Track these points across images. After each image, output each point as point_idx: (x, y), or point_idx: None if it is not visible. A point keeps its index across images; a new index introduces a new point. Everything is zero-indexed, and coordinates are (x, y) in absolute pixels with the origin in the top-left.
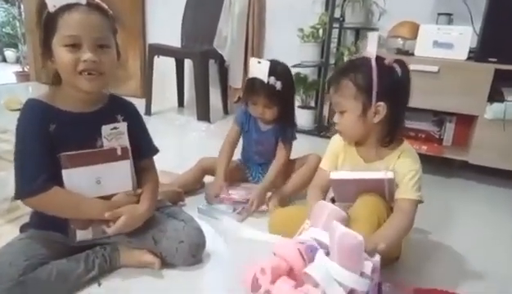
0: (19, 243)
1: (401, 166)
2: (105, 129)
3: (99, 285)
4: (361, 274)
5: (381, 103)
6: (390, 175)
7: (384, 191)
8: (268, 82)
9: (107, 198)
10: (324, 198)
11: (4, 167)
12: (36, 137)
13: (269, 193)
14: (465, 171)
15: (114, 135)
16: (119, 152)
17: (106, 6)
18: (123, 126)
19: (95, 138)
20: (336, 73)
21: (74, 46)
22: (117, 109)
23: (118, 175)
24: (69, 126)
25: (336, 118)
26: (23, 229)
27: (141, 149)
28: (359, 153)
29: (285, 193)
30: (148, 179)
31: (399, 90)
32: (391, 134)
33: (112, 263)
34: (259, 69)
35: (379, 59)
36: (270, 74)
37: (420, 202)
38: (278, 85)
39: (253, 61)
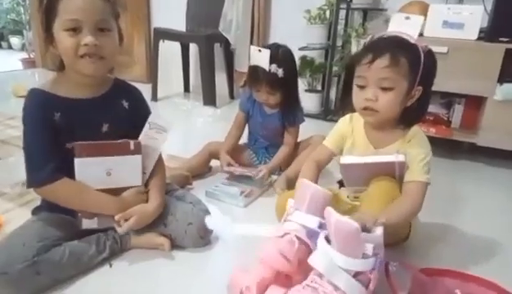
0: (32, 225)
1: (411, 149)
2: (153, 116)
3: (110, 266)
4: (364, 256)
5: (419, 87)
6: (401, 157)
7: (394, 174)
8: (270, 70)
9: (116, 190)
10: (318, 174)
11: (13, 152)
12: (40, 127)
13: (275, 177)
14: (474, 154)
15: (156, 127)
16: (131, 146)
17: None
18: (168, 125)
19: (100, 123)
20: (383, 46)
21: (75, 29)
22: (122, 93)
23: (128, 169)
24: (73, 113)
25: (371, 95)
26: (35, 212)
27: None
28: (369, 138)
29: (290, 176)
30: (156, 172)
31: (433, 75)
32: (418, 118)
33: (123, 245)
34: (260, 58)
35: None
36: (271, 62)
37: (428, 184)
38: (280, 72)
39: (253, 49)
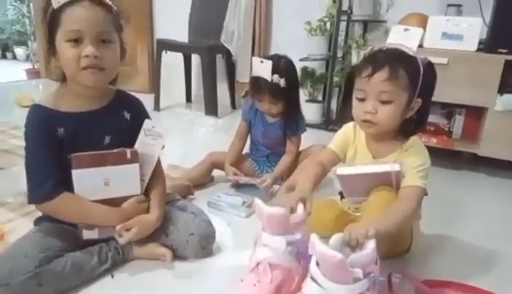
0: (34, 236)
1: (407, 158)
2: (148, 123)
3: (112, 277)
4: (355, 280)
5: (419, 99)
6: (397, 167)
7: (392, 184)
8: (272, 81)
9: (115, 200)
10: (320, 174)
11: (16, 162)
12: (41, 145)
13: (276, 187)
14: (475, 164)
15: (152, 133)
16: (128, 155)
17: (110, 2)
18: (164, 131)
19: (102, 136)
20: (382, 59)
21: (77, 41)
22: (123, 105)
23: (126, 179)
24: (76, 126)
25: (372, 108)
26: (37, 222)
27: None
28: (369, 148)
29: (291, 186)
30: (156, 181)
31: (433, 87)
32: (417, 129)
33: (125, 255)
34: (262, 69)
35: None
36: (273, 72)
37: (425, 192)
38: (282, 82)
39: (255, 61)
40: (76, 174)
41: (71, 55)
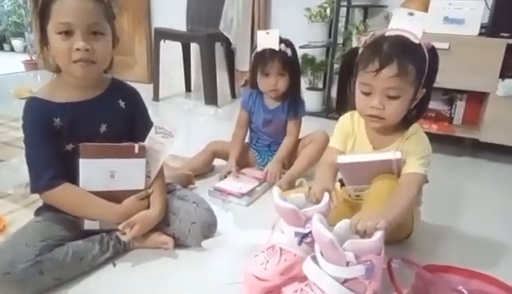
0: (34, 225)
1: (408, 146)
2: (158, 121)
3: (114, 265)
4: (348, 264)
5: (423, 89)
6: (398, 155)
7: (393, 172)
8: (280, 49)
9: (118, 193)
10: (334, 175)
11: (16, 153)
12: (39, 136)
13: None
14: (476, 150)
15: (163, 132)
16: (136, 149)
17: None
18: (175, 130)
19: (98, 124)
20: (388, 52)
21: (67, 33)
22: (118, 93)
23: (132, 172)
24: (72, 116)
25: (379, 103)
26: (37, 212)
27: (144, 134)
28: (369, 138)
29: (293, 175)
30: (156, 175)
31: (435, 74)
32: (417, 117)
33: (126, 244)
34: (269, 39)
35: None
36: (279, 43)
37: (426, 179)
38: (289, 51)
39: (261, 33)
40: (83, 163)
41: (62, 48)
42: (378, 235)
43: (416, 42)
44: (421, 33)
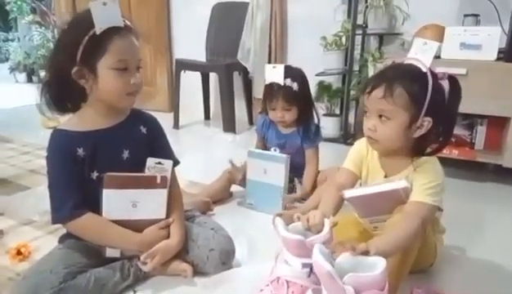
0: (58, 253)
1: (417, 174)
2: (150, 161)
3: (134, 293)
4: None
5: (428, 118)
6: (403, 183)
7: (405, 202)
8: (285, 84)
9: (139, 222)
10: (341, 201)
11: (41, 181)
12: (61, 168)
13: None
14: (500, 175)
15: (158, 170)
16: (158, 180)
17: (133, 26)
18: (168, 164)
19: (121, 150)
20: (385, 75)
21: (123, 70)
22: (139, 120)
23: (153, 202)
24: (95, 144)
25: (371, 125)
26: (61, 239)
27: (164, 158)
28: (381, 164)
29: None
30: (174, 204)
31: (448, 107)
32: (434, 151)
33: (146, 272)
34: (275, 73)
35: (431, 71)
36: (285, 77)
37: (435, 208)
38: (295, 86)
39: (268, 67)
40: (107, 193)
41: (119, 83)
42: (380, 268)
43: (424, 70)
44: (430, 62)
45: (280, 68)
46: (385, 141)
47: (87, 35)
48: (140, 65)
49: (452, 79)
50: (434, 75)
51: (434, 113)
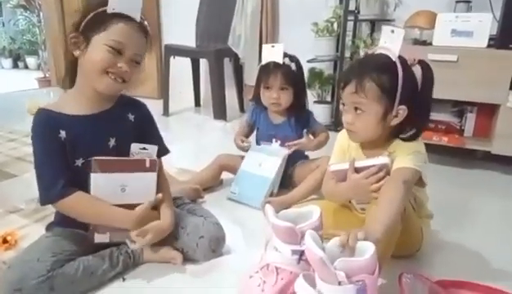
0: (46, 241)
1: (398, 149)
2: (135, 147)
3: (123, 280)
4: (340, 283)
5: (403, 106)
6: (383, 159)
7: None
8: (284, 63)
9: (128, 206)
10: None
11: (28, 169)
12: (48, 146)
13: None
14: (488, 162)
15: (142, 155)
16: (147, 164)
17: (149, 30)
18: (152, 149)
19: (107, 138)
20: (355, 69)
21: (116, 50)
22: (128, 108)
23: (143, 186)
24: (79, 129)
25: (349, 118)
26: (49, 227)
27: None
28: (363, 152)
29: (288, 203)
30: (161, 187)
31: (422, 93)
32: (414, 135)
33: (135, 259)
34: (274, 52)
35: (401, 59)
36: (284, 57)
37: (418, 174)
38: (293, 66)
39: (266, 46)
40: (94, 177)
41: (105, 58)
42: (370, 252)
43: (393, 59)
44: (398, 51)
45: (280, 47)
46: (363, 132)
47: (97, 11)
48: (138, 61)
49: (424, 64)
50: (404, 63)
51: (409, 101)
